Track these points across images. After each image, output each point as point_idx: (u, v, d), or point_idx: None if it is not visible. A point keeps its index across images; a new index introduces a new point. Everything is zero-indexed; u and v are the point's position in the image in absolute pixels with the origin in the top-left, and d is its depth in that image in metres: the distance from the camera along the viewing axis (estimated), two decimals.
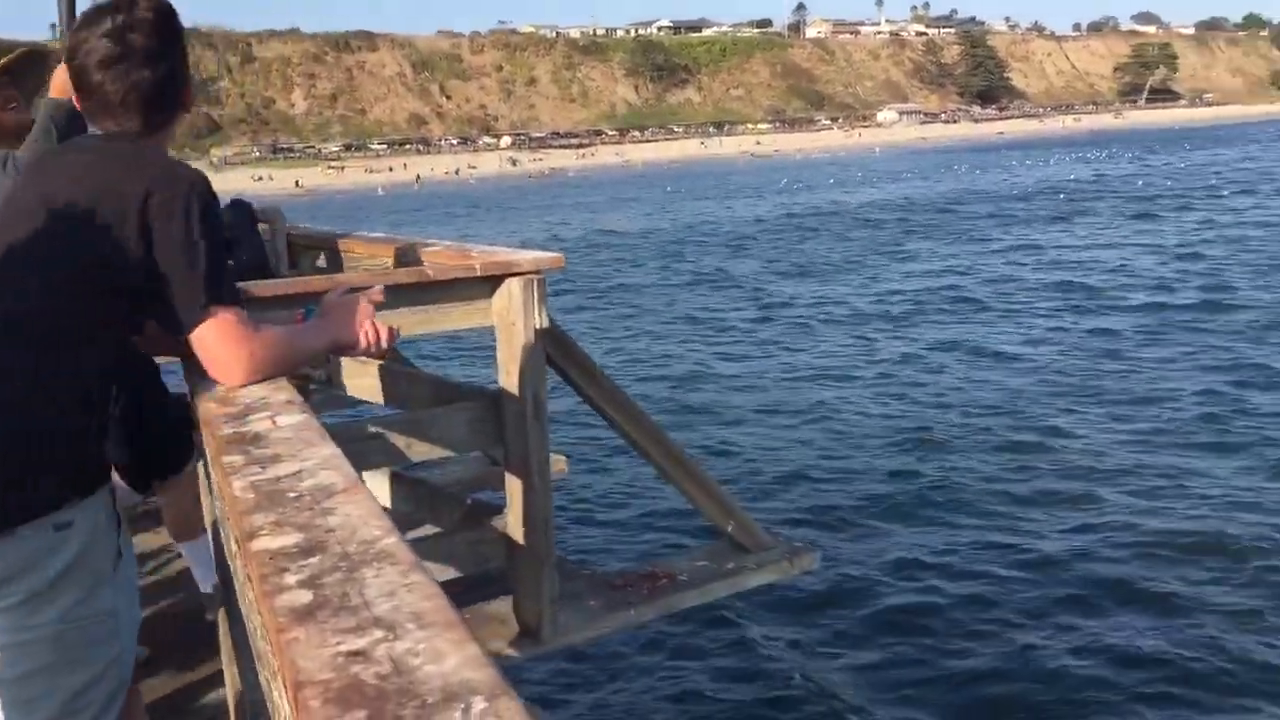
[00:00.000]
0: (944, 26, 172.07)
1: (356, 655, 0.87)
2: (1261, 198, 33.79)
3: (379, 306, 2.07)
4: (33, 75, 3.21)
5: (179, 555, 3.89)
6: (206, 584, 3.49)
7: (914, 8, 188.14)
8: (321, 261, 3.94)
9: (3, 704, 1.83)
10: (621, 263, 27.54)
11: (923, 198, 43.63)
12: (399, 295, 3.10)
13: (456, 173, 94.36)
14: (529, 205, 57.00)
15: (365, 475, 2.04)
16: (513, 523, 3.22)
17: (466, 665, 0.84)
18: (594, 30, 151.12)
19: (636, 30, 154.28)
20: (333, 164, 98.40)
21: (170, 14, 1.94)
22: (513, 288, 3.11)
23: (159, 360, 3.03)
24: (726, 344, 16.07)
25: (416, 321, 3.26)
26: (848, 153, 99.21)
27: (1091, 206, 34.61)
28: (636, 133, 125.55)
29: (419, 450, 3.18)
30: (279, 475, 1.34)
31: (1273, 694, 5.66)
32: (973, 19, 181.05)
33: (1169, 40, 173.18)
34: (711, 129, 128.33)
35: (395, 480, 3.70)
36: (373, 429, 3.13)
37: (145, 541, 4.18)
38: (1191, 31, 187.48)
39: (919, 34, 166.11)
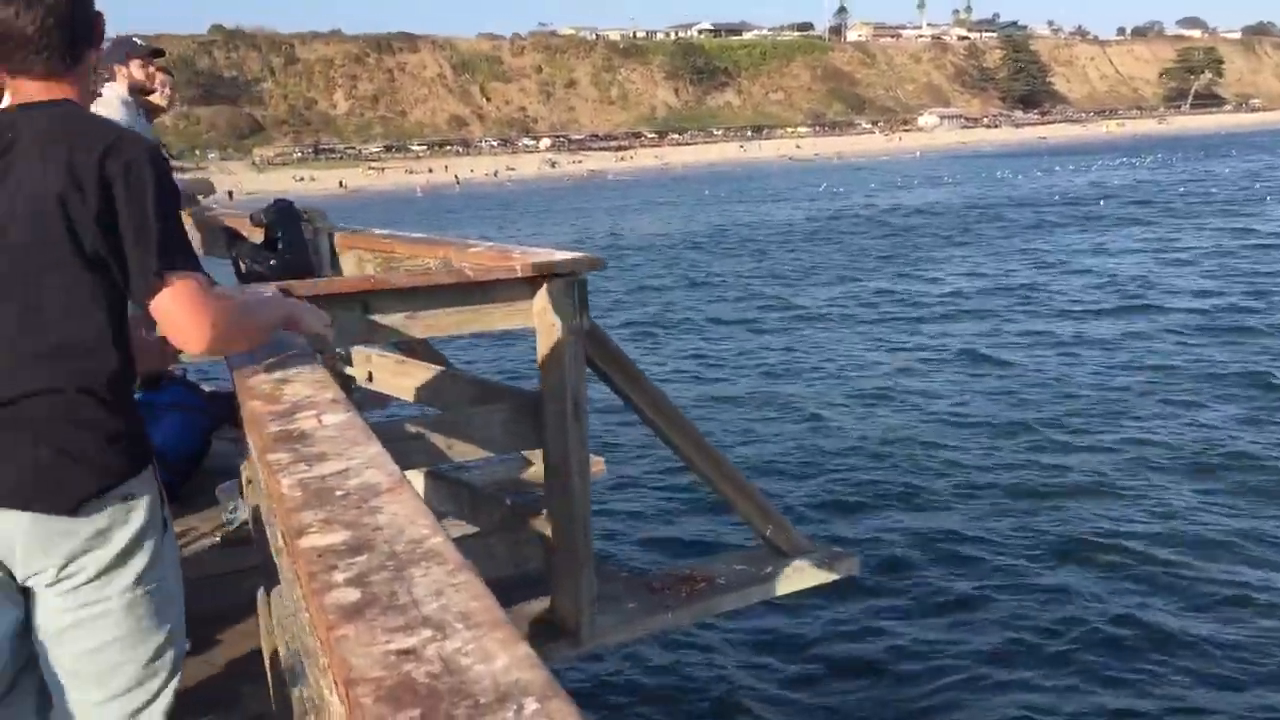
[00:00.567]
0: (986, 30, 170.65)
1: (407, 653, 0.87)
2: None
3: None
4: None
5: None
6: None
7: (956, 11, 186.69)
8: (364, 262, 3.97)
9: (81, 678, 1.87)
10: (657, 264, 27.56)
11: (964, 202, 43.29)
12: (440, 295, 3.12)
13: (495, 174, 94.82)
14: (567, 207, 57.16)
15: (406, 475, 2.05)
16: (552, 524, 3.22)
17: (517, 665, 0.84)
18: (634, 33, 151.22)
19: (676, 33, 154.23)
20: (373, 165, 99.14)
21: None
22: (553, 289, 3.12)
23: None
24: (761, 346, 16.03)
25: (457, 322, 3.27)
26: (889, 157, 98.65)
27: (1135, 213, 34.18)
28: (675, 135, 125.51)
29: (460, 450, 3.19)
30: (325, 473, 1.35)
31: None
32: (1015, 23, 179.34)
33: (1214, 44, 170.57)
34: (750, 132, 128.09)
35: (435, 480, 3.72)
36: (413, 429, 3.15)
37: None
38: (1238, 36, 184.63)
39: (961, 38, 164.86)
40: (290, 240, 3.69)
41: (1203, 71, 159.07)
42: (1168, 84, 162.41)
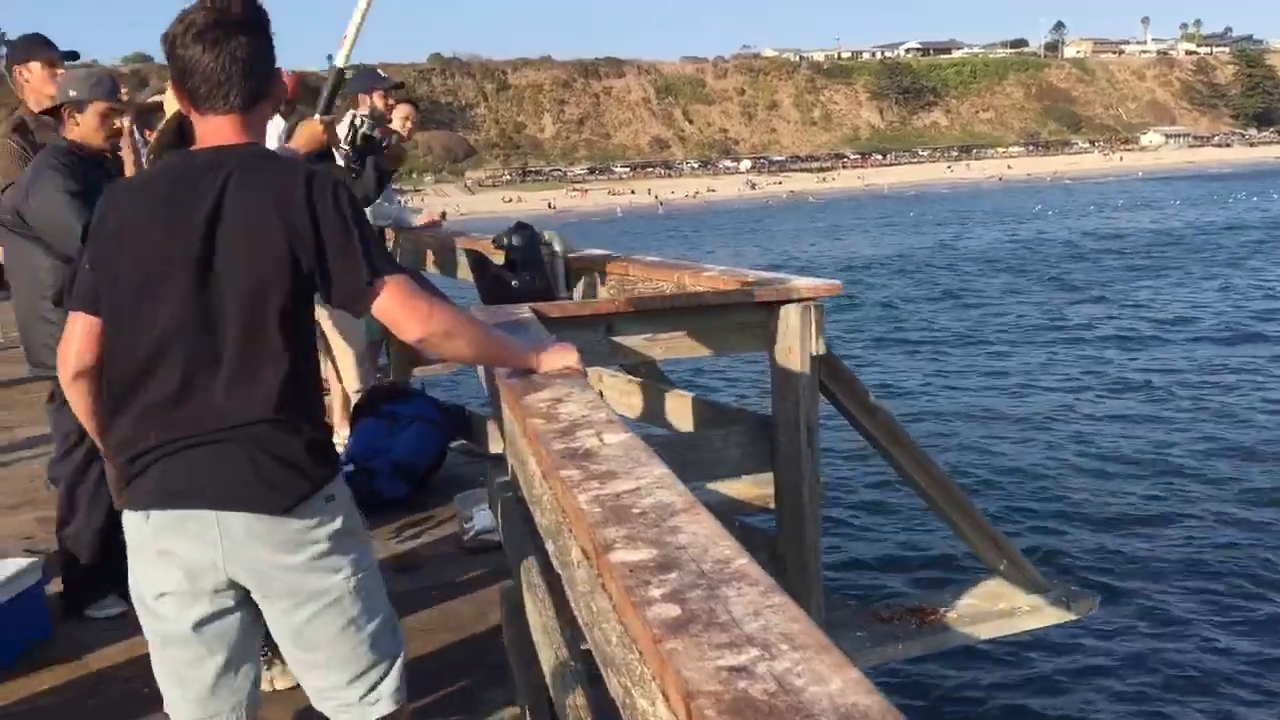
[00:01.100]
0: (1217, 45, 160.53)
1: (739, 671, 0.89)
2: None
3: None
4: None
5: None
6: None
7: (1184, 25, 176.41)
8: (598, 284, 4.08)
9: (322, 666, 2.05)
10: (872, 287, 27.16)
11: (1200, 226, 40.81)
12: (680, 318, 3.19)
13: (695, 195, 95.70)
14: (769, 229, 57.01)
15: None
16: (782, 548, 3.23)
17: (852, 689, 0.85)
18: (838, 53, 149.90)
19: (883, 52, 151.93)
20: (576, 186, 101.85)
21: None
22: (790, 314, 3.13)
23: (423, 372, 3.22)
24: (991, 371, 15.64)
25: (691, 345, 3.34)
26: (1108, 177, 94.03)
27: None
28: (879, 156, 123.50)
29: (692, 472, 3.24)
30: (618, 491, 1.40)
31: None
32: (1249, 37, 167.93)
33: None
34: (956, 152, 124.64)
35: None
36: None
37: None
38: None
39: (1189, 53, 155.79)
40: (531, 262, 3.84)
41: None
42: None
